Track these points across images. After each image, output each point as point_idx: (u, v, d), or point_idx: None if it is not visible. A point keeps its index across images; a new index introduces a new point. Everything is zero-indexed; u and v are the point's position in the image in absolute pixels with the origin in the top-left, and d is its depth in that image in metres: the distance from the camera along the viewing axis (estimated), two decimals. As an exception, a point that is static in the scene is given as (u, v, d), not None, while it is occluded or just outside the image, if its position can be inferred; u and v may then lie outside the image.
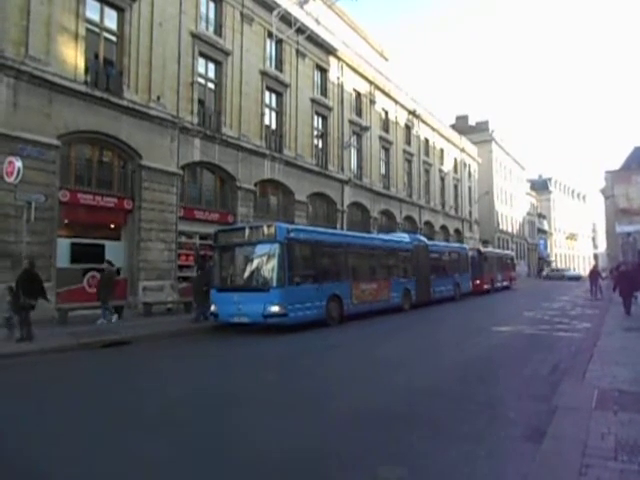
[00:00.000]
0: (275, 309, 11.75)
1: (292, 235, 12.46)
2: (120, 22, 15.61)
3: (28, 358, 8.82)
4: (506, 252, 41.18)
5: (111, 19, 15.46)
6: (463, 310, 19.10)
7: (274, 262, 12.06)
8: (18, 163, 11.57)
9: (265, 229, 12.51)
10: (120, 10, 15.55)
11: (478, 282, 26.60)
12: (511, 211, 62.96)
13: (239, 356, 9.51)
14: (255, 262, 12.66)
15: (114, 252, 15.30)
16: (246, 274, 12.81)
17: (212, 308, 12.77)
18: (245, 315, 12.00)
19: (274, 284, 11.92)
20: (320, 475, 3.81)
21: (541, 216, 79.70)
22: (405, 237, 20.63)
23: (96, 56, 15.14)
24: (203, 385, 6.83)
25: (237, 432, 4.75)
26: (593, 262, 57.90)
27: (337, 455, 4.12)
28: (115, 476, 3.81)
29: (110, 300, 13.28)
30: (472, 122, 60.88)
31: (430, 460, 3.99)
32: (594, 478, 3.32)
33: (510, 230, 61.99)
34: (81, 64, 14.33)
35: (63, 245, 13.91)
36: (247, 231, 12.90)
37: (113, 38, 15.56)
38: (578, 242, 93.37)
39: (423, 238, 22.73)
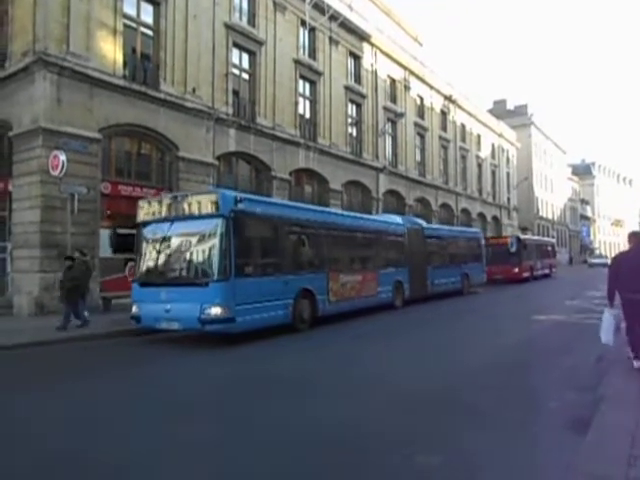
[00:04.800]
0: (216, 311, 8.53)
1: (242, 207, 9.08)
2: (156, 16, 15.86)
3: (82, 343, 9.45)
4: (546, 239, 39.98)
5: (147, 13, 15.74)
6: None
7: (215, 245, 8.80)
8: (62, 157, 12.02)
9: (204, 199, 9.07)
10: (156, 4, 15.80)
11: (517, 270, 25.91)
12: (552, 197, 61.04)
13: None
14: (190, 245, 9.22)
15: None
16: (177, 262, 9.39)
17: (133, 309, 9.69)
18: (175, 320, 8.88)
19: (215, 276, 8.67)
20: (356, 463, 3.81)
21: (584, 202, 77.02)
22: (396, 218, 17.35)
23: (133, 50, 15.45)
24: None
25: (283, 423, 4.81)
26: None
27: (374, 442, 4.12)
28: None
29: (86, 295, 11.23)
30: (510, 106, 59.24)
31: (469, 447, 3.95)
32: (644, 470, 3.21)
33: (550, 217, 60.16)
34: (119, 59, 14.65)
35: (105, 235, 14.33)
36: (180, 202, 9.34)
37: (149, 32, 15.84)
38: (624, 229, 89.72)
39: (419, 220, 19.39)
